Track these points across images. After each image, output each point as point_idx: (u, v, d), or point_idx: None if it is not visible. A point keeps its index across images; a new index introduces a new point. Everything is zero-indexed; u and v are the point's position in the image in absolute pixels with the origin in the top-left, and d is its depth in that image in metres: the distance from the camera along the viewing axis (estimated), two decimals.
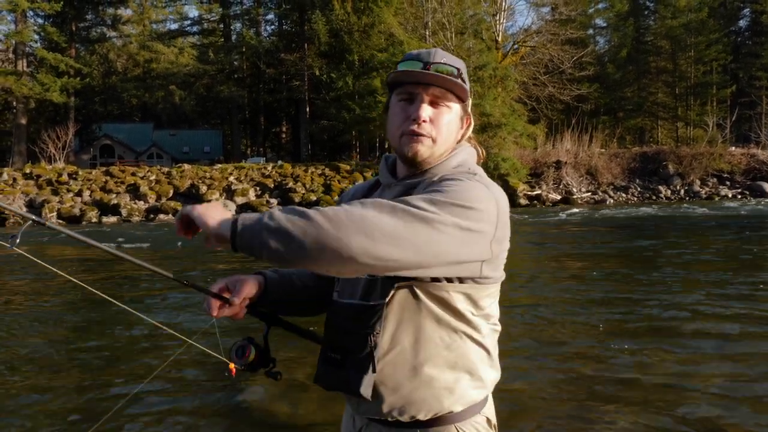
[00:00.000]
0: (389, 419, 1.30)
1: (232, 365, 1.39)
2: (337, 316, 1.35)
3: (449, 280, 1.27)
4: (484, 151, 1.47)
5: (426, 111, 1.32)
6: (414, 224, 1.10)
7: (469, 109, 1.41)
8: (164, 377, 4.50)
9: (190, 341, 1.45)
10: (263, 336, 1.45)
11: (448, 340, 1.29)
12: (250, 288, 1.39)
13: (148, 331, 5.93)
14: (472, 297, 1.30)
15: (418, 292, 1.27)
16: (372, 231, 1.07)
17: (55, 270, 1.40)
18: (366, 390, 1.25)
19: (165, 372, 4.54)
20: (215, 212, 1.19)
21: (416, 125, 1.32)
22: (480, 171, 1.36)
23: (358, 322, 1.28)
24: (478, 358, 1.33)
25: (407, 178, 1.38)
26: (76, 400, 4.15)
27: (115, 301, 1.53)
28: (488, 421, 1.37)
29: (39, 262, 1.37)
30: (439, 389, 1.28)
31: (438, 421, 1.30)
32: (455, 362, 1.30)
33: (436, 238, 1.12)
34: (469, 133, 1.43)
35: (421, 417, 1.29)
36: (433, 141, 1.33)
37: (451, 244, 1.15)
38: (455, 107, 1.36)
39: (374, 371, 1.25)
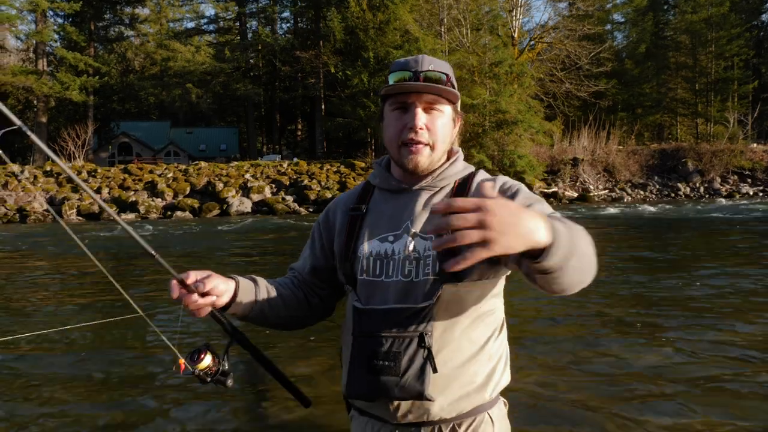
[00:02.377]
0: (434, 419, 1.33)
1: (181, 361, 1.29)
2: (380, 322, 1.31)
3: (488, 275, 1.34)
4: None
5: (421, 119, 1.35)
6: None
7: (459, 108, 1.44)
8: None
9: (142, 314, 1.36)
10: (225, 349, 1.34)
11: (487, 334, 1.37)
12: (216, 284, 1.28)
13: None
14: (498, 291, 1.41)
15: (461, 290, 1.32)
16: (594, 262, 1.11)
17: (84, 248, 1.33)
18: (430, 391, 1.27)
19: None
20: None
21: (414, 133, 1.35)
22: None
23: (408, 326, 1.29)
24: (505, 348, 1.43)
25: (420, 182, 1.42)
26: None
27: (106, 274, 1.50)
28: (504, 403, 1.47)
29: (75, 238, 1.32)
30: (481, 382, 1.35)
31: (476, 410, 1.35)
32: (491, 355, 1.37)
33: None
34: (457, 131, 1.47)
35: (465, 411, 1.34)
36: (432, 148, 1.38)
37: None
38: (447, 110, 1.40)
39: (435, 371, 1.28)
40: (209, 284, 1.26)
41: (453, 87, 1.38)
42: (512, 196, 1.32)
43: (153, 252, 1.23)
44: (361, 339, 1.34)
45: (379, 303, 1.33)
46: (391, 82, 1.37)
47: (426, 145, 1.36)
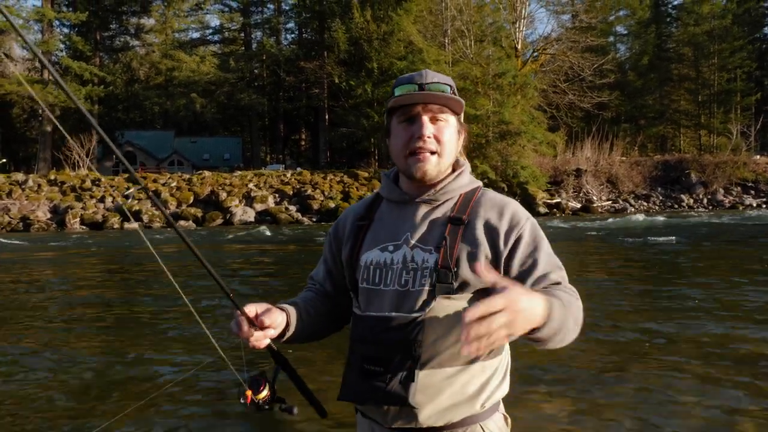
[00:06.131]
0: (423, 426, 1.34)
1: (249, 392, 1.35)
2: (375, 329, 1.37)
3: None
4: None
5: (428, 128, 1.39)
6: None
7: (462, 120, 1.48)
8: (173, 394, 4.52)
9: (218, 348, 1.43)
10: (272, 376, 1.42)
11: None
12: (275, 318, 1.37)
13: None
14: None
15: (454, 302, 1.34)
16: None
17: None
18: (414, 399, 1.30)
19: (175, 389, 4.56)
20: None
21: (422, 142, 1.39)
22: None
23: (400, 334, 1.33)
24: (503, 360, 1.43)
25: (423, 194, 1.44)
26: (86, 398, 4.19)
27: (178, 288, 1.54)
28: (505, 418, 1.46)
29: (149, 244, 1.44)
30: (472, 393, 1.35)
31: (467, 421, 1.36)
32: (485, 366, 1.38)
33: None
34: (462, 143, 1.51)
35: (456, 419, 1.35)
36: (439, 156, 1.41)
37: None
38: (452, 120, 1.44)
39: (417, 379, 1.30)
40: (269, 319, 1.35)
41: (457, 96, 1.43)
42: (518, 239, 1.35)
43: (229, 292, 1.35)
44: (356, 344, 1.40)
45: (375, 310, 1.38)
46: (396, 95, 1.41)
47: (434, 153, 1.40)
